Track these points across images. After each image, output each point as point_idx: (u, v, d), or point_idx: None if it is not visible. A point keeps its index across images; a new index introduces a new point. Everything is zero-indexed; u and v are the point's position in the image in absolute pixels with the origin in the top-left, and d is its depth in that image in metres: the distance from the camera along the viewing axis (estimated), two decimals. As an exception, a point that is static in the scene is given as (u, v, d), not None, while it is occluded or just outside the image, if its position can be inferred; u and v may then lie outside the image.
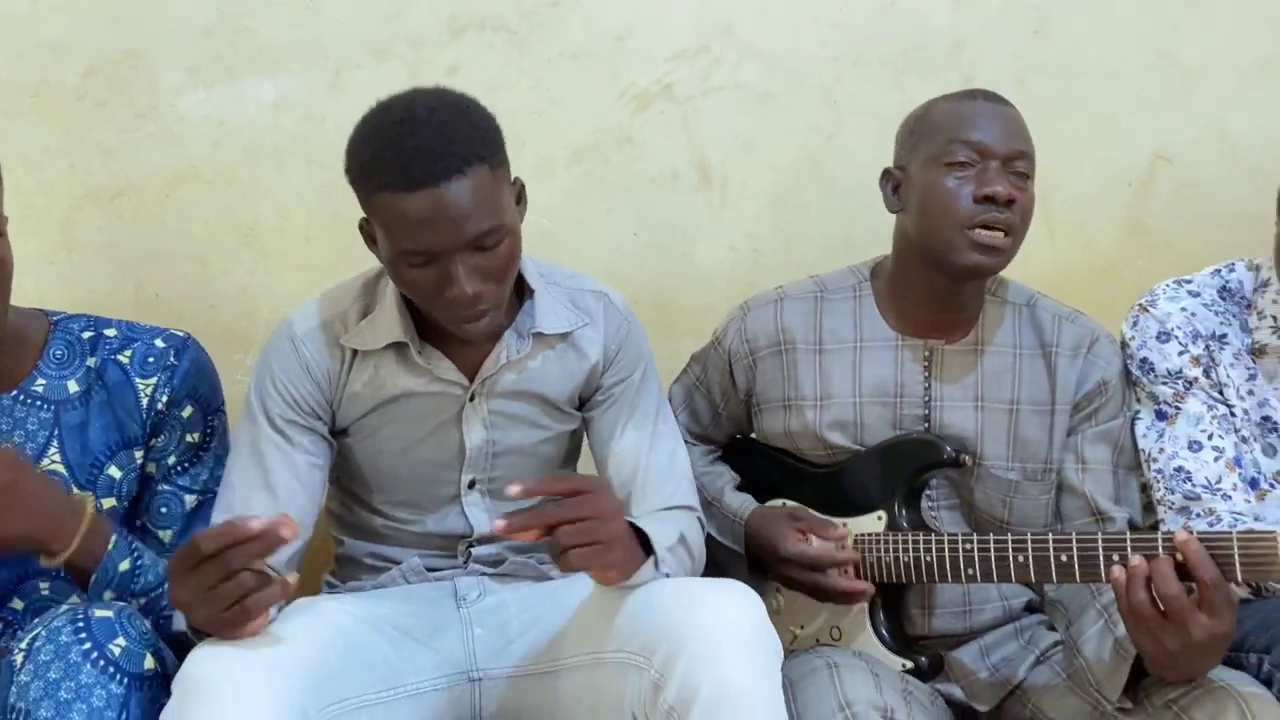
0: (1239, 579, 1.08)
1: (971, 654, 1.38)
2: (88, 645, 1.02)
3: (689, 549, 1.26)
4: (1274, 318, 1.37)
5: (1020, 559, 1.21)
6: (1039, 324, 1.41)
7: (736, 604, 1.08)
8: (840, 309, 1.44)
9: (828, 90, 1.87)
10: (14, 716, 0.99)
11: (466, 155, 1.14)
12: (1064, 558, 1.17)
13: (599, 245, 1.86)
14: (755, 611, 1.08)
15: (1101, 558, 1.15)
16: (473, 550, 1.34)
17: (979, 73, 1.86)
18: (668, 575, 1.17)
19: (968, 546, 1.26)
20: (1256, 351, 1.38)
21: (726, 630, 1.05)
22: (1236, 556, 1.07)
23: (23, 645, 1.03)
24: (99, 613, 1.05)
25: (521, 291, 1.31)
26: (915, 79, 1.85)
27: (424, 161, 1.13)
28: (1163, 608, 1.09)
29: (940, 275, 1.34)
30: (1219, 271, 1.43)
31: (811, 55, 1.86)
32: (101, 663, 1.02)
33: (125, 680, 1.03)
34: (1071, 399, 1.39)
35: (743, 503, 1.45)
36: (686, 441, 1.54)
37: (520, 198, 1.28)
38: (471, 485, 1.34)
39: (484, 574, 1.34)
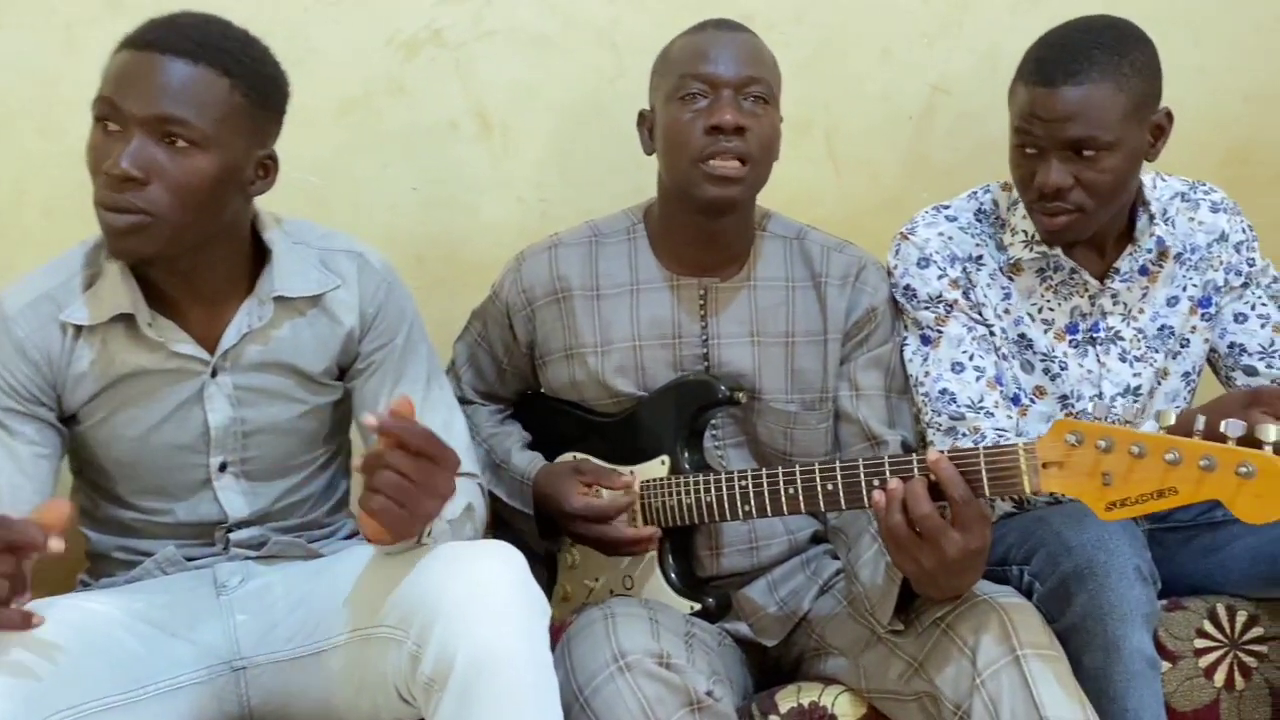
0: (987, 493, 1.10)
1: (760, 590, 1.39)
2: None
3: (473, 518, 1.22)
4: (1025, 232, 1.40)
5: (790, 491, 1.21)
6: (808, 255, 1.41)
7: (492, 565, 1.04)
8: (615, 252, 1.41)
9: (606, 31, 1.82)
10: None
11: (211, 53, 1.13)
12: (829, 486, 1.18)
13: (376, 201, 1.77)
14: (513, 570, 1.04)
15: (863, 483, 1.16)
16: (231, 535, 1.26)
17: (757, 9, 1.83)
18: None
19: (743, 483, 1.25)
20: (1012, 268, 1.42)
21: (481, 593, 1.01)
22: (984, 472, 1.09)
23: None
24: None
25: (262, 255, 1.22)
26: (695, 16, 1.82)
27: (164, 32, 1.14)
28: (917, 529, 1.10)
29: (692, 212, 1.32)
30: (974, 194, 1.46)
31: (589, -4, 1.81)
32: None
33: None
34: (843, 327, 1.39)
35: (530, 461, 1.40)
36: (474, 401, 1.49)
37: (268, 166, 1.22)
38: (223, 468, 1.25)
39: (247, 558, 1.26)
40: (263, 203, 1.33)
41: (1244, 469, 0.96)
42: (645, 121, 1.40)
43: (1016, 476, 1.08)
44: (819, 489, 1.19)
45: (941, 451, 1.12)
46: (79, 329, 1.17)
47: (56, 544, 0.96)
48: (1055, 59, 1.31)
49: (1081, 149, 1.29)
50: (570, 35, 1.80)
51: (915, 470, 1.12)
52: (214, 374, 1.22)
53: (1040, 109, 1.29)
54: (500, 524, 1.43)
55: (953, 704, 1.14)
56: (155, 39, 1.12)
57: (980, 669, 1.12)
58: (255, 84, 1.16)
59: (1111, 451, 1.01)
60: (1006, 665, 1.12)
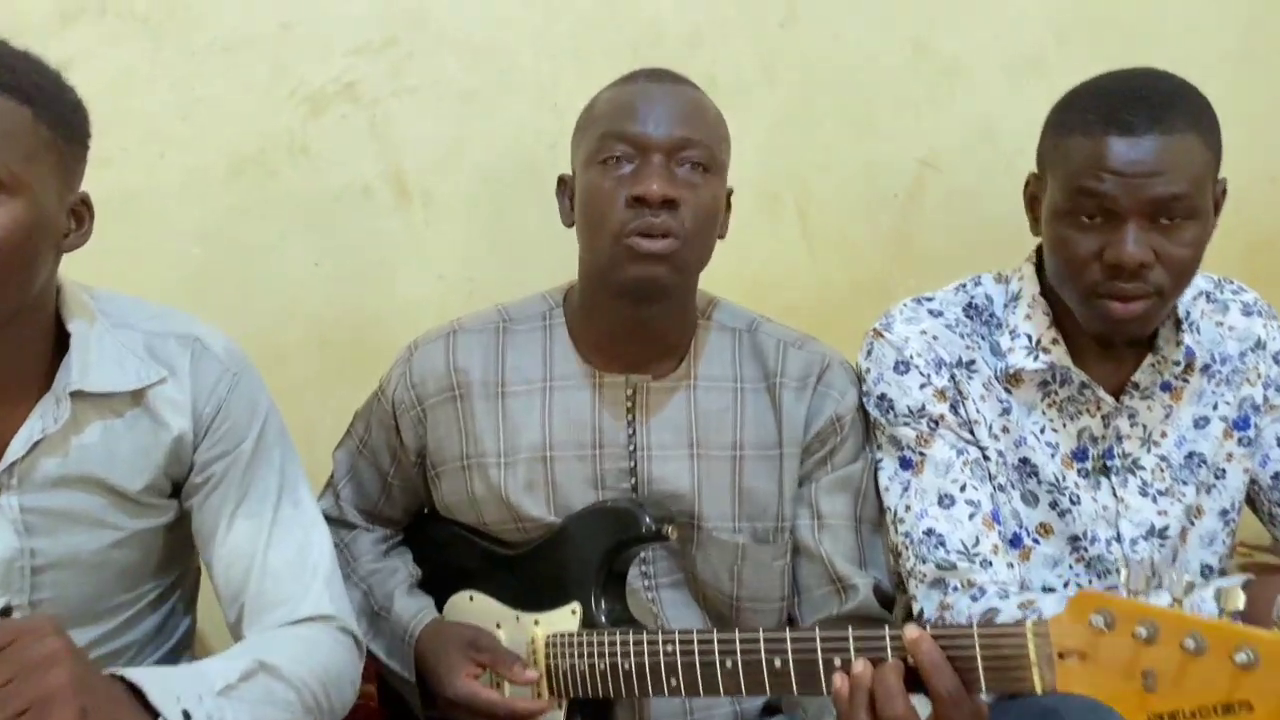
0: (983, 689, 0.83)
1: (692, 780, 1.10)
2: None
3: (288, 682, 0.93)
4: (1028, 335, 1.14)
5: (729, 665, 0.93)
6: (761, 351, 1.16)
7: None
8: (526, 342, 1.16)
9: (545, 89, 1.59)
10: None
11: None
12: (777, 663, 0.90)
13: (270, 275, 1.53)
14: None
15: (821, 663, 0.88)
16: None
17: (721, 70, 1.63)
18: None
19: (669, 649, 0.97)
20: (1010, 379, 1.15)
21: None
22: (979, 659, 0.82)
23: None
24: None
25: (64, 341, 0.97)
26: (647, 75, 1.61)
27: None
28: None
29: (616, 296, 1.08)
30: (963, 287, 1.21)
31: (524, 49, 1.59)
32: None
33: None
34: (801, 440, 1.14)
35: (416, 613, 1.13)
36: (355, 525, 1.22)
37: (82, 213, 0.95)
38: (6, 613, 0.97)
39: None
40: (96, 273, 1.09)
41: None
42: (565, 188, 1.17)
43: (1024, 669, 0.81)
44: (764, 666, 0.91)
45: (923, 627, 0.84)
46: None
47: None
48: (1133, 102, 1.05)
49: (1164, 214, 1.04)
50: (503, 93, 1.58)
51: (888, 650, 0.85)
52: (-2, 493, 0.95)
53: (1118, 162, 1.03)
54: (386, 686, 1.15)
55: None
56: None
57: None
58: (59, 113, 0.94)
59: (1156, 642, 0.73)
60: None
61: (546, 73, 1.60)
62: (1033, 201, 1.16)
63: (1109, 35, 1.75)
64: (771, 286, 1.65)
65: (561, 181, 1.17)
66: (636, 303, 1.09)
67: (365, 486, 1.23)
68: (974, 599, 1.07)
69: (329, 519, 1.12)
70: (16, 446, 0.95)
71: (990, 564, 1.08)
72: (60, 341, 0.98)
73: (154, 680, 0.84)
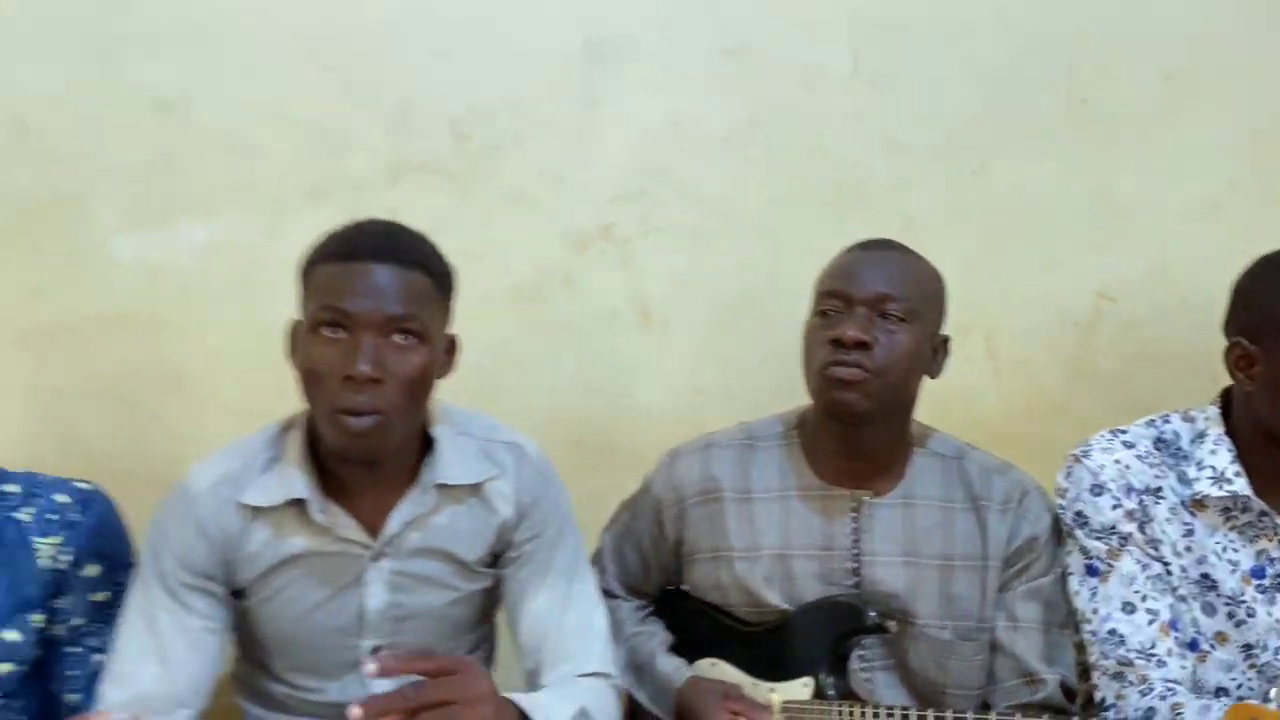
0: None
1: (906, 828, 1.31)
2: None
3: None
4: (1213, 468, 1.33)
5: (938, 734, 1.15)
6: (968, 477, 1.38)
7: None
8: (768, 458, 1.41)
9: (767, 231, 1.88)
10: None
11: (413, 256, 1.21)
12: (966, 737, 1.12)
13: (538, 384, 1.84)
14: None
15: (1013, 741, 1.09)
16: (378, 721, 1.28)
17: (917, 212, 1.87)
18: None
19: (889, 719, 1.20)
20: (1196, 505, 1.34)
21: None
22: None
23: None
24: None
25: (427, 445, 1.28)
26: (855, 220, 1.85)
27: (368, 241, 1.21)
28: None
29: (826, 418, 1.33)
30: (1153, 422, 1.40)
31: (749, 197, 1.87)
32: None
33: None
34: (1003, 554, 1.35)
35: (676, 669, 1.39)
36: (618, 595, 1.49)
37: (451, 348, 1.28)
38: (374, 652, 1.28)
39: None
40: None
41: None
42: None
43: None
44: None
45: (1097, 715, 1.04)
46: (255, 510, 1.25)
47: None
48: None
49: None
50: (731, 234, 1.87)
51: None
52: (375, 559, 1.26)
53: None
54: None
55: None
56: (361, 249, 1.21)
57: None
58: (442, 276, 1.25)
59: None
60: None
61: (767, 217, 1.88)
62: (1241, 361, 1.31)
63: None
64: (961, 404, 1.86)
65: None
66: (842, 423, 1.33)
67: (628, 565, 1.50)
68: (1143, 694, 1.25)
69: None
70: (394, 525, 1.26)
71: (1165, 664, 1.26)
72: (421, 444, 1.30)
73: (534, 707, 1.12)
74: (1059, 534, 1.38)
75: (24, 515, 1.29)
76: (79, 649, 1.30)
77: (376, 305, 1.17)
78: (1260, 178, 1.91)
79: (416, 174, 1.81)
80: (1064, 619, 1.36)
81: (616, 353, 1.86)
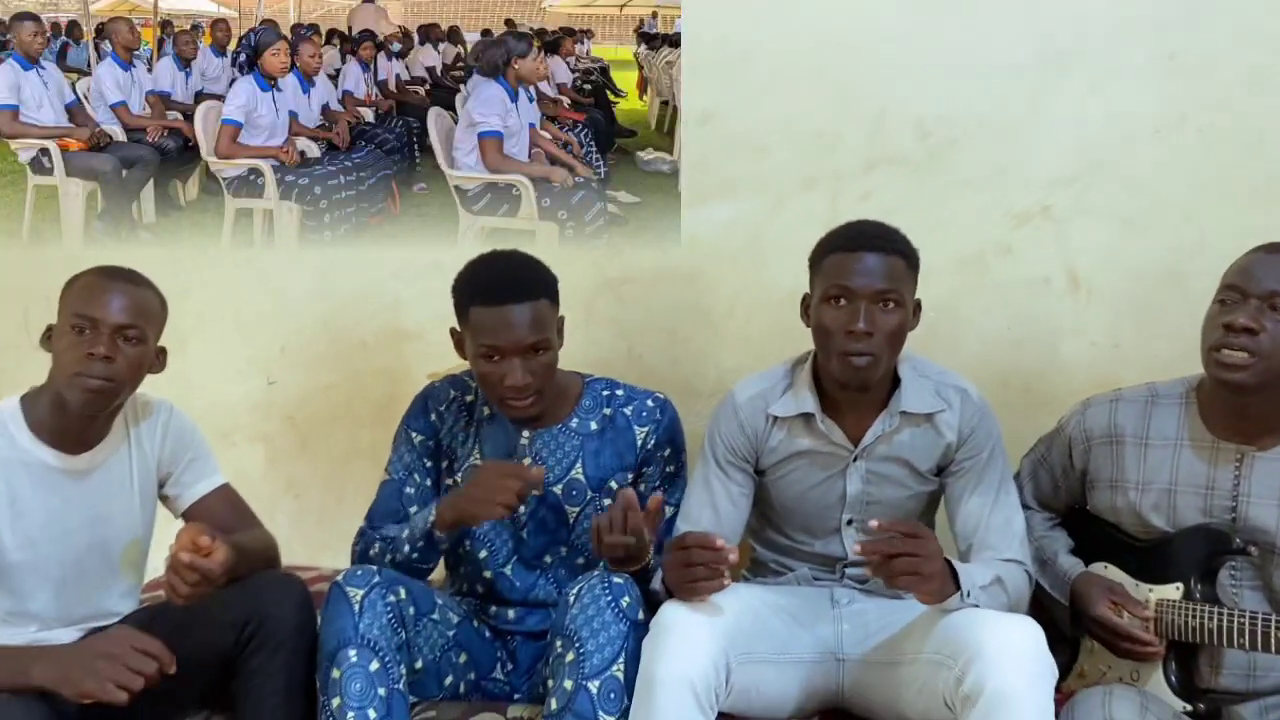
0: None
1: (1252, 710, 1.65)
2: (609, 598, 1.65)
3: (1005, 589, 1.67)
4: None
5: (1266, 639, 1.49)
6: None
7: (1020, 631, 1.50)
8: (1167, 413, 1.77)
9: (1188, 214, 2.16)
10: (567, 635, 1.64)
11: (895, 245, 1.73)
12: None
13: (973, 336, 2.28)
14: (1035, 637, 1.49)
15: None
16: (846, 570, 1.85)
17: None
18: (976, 606, 1.60)
19: (1241, 621, 1.55)
20: None
21: (1010, 647, 1.48)
22: None
23: (572, 592, 1.69)
24: (616, 580, 1.68)
25: (896, 382, 1.80)
26: (1246, 186, 2.12)
27: (865, 238, 1.73)
28: None
29: (1218, 386, 1.65)
30: None
31: (1176, 183, 2.16)
32: (617, 610, 1.65)
33: (628, 623, 1.65)
34: None
35: (1072, 565, 1.82)
36: (1030, 508, 1.93)
37: (917, 309, 1.79)
38: (849, 523, 1.84)
39: (854, 588, 1.84)
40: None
41: None
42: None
43: None
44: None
45: None
46: (777, 418, 1.84)
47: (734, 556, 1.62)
48: None
49: None
50: (1154, 217, 2.18)
51: None
52: (855, 459, 1.82)
53: None
54: (1041, 607, 1.86)
55: None
56: (861, 242, 1.72)
57: None
58: (912, 257, 1.77)
59: None
60: None
61: (1190, 200, 2.16)
62: None
63: None
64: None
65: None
66: (1231, 392, 1.63)
67: (1041, 485, 1.92)
68: None
69: (1017, 502, 1.85)
70: (869, 437, 1.80)
71: None
72: (893, 383, 1.81)
73: (964, 570, 1.62)
74: None
75: (628, 410, 1.98)
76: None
77: (870, 282, 1.70)
78: None
79: (886, 165, 2.30)
80: None
81: (1042, 313, 2.26)
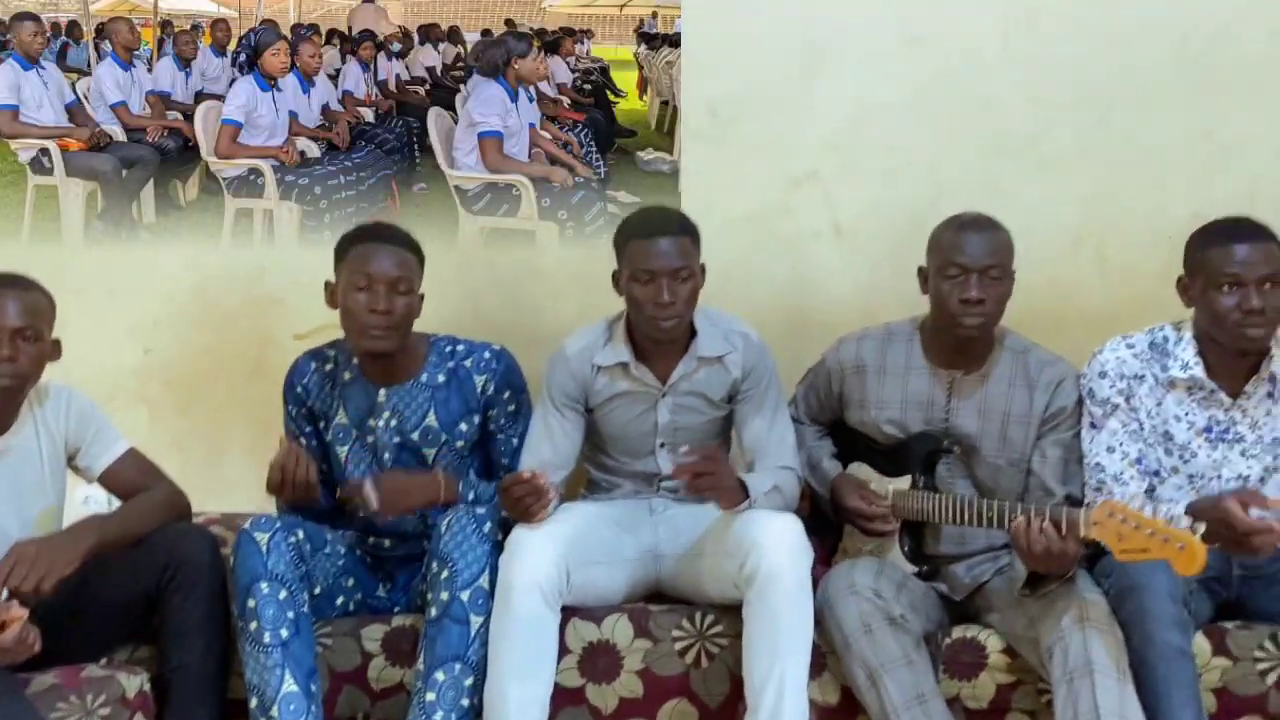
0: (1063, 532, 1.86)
1: (960, 568, 2.21)
2: (474, 525, 2.06)
3: (782, 493, 2.16)
4: (1182, 360, 2.07)
5: (967, 515, 2.03)
6: (1027, 365, 2.18)
7: (784, 525, 2.00)
8: (899, 347, 2.27)
9: (934, 170, 2.65)
10: (441, 556, 2.03)
11: (682, 227, 2.16)
12: (988, 515, 1.99)
13: (763, 280, 2.73)
14: (796, 530, 2.00)
15: (1006, 517, 1.95)
16: (661, 484, 2.31)
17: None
18: (761, 508, 2.09)
19: (952, 503, 2.08)
20: (1168, 385, 2.09)
21: (776, 537, 1.98)
22: (1064, 522, 1.86)
23: (443, 522, 2.08)
24: (479, 510, 2.09)
25: (693, 331, 2.24)
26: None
27: (658, 222, 2.17)
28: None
29: (953, 336, 2.15)
30: (1153, 330, 2.13)
31: (920, 148, 2.65)
32: (480, 534, 2.05)
33: (489, 544, 2.06)
34: (1042, 415, 2.16)
35: (833, 467, 2.33)
36: (803, 423, 2.42)
37: (702, 272, 2.21)
38: (661, 446, 2.30)
39: (667, 498, 2.31)
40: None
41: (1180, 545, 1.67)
42: (921, 274, 2.22)
43: (1074, 528, 1.83)
44: (981, 515, 1.99)
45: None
46: (600, 367, 2.26)
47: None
48: None
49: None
50: (903, 173, 2.65)
51: (1047, 514, 1.88)
52: (664, 396, 2.26)
53: None
54: (815, 501, 2.37)
55: (1045, 647, 1.93)
56: (658, 228, 2.18)
57: (1063, 628, 1.89)
58: (695, 236, 2.20)
59: (1127, 524, 1.75)
60: (1076, 629, 1.88)
61: (931, 160, 2.64)
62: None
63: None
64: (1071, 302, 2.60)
65: (919, 270, 2.24)
66: (965, 341, 2.13)
67: (811, 404, 2.40)
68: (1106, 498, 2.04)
69: (792, 418, 2.33)
70: (673, 378, 2.24)
71: (1126, 484, 2.04)
72: (690, 331, 2.25)
73: (751, 482, 2.09)
74: (1081, 405, 2.16)
75: (468, 362, 2.34)
76: (503, 435, 2.35)
77: (668, 263, 2.13)
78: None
79: (689, 140, 2.70)
80: (1078, 457, 2.15)
81: (816, 259, 2.73)
